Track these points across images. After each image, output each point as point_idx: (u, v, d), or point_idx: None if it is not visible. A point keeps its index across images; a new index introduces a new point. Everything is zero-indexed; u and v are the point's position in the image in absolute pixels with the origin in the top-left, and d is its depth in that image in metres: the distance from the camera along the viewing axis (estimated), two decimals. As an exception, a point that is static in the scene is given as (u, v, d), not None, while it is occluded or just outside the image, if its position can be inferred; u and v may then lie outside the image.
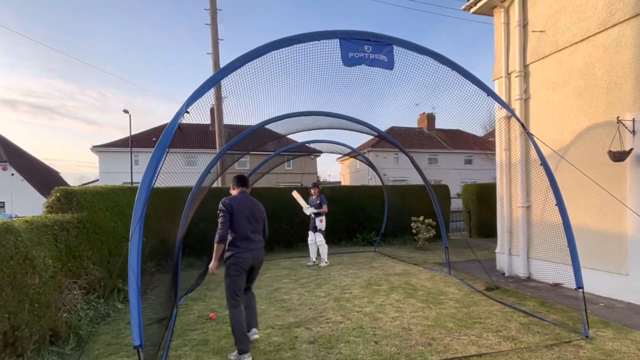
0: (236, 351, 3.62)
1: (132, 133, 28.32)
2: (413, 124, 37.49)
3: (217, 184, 11.41)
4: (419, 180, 10.19)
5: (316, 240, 8.49)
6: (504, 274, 7.17)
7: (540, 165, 4.41)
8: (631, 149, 4.99)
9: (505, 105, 5.00)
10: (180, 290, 5.96)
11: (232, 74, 3.60)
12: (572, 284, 4.18)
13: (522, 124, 4.95)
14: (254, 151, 10.17)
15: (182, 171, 4.75)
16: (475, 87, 4.47)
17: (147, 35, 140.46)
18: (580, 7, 5.79)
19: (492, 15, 7.64)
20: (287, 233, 10.91)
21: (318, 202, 8.54)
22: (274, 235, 10.81)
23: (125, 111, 27.47)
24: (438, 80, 4.76)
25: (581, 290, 4.05)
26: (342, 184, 36.87)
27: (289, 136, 8.73)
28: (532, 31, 6.64)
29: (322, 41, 3.91)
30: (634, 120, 5.06)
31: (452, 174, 31.99)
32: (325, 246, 8.46)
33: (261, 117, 6.52)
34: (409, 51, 4.18)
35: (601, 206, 5.46)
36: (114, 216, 6.36)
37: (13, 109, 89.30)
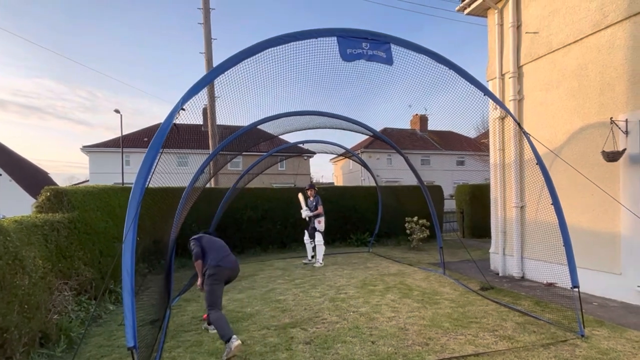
0: (225, 347, 3.68)
1: (123, 133, 28.02)
2: (406, 125, 37.69)
3: (210, 184, 11.33)
4: (412, 181, 10.21)
5: (315, 241, 8.45)
6: (498, 273, 7.20)
7: (536, 164, 4.42)
8: (624, 149, 5.04)
9: (502, 105, 5.02)
10: (174, 291, 5.88)
11: (227, 72, 3.56)
12: (566, 284, 4.21)
13: (518, 124, 4.97)
14: (247, 152, 10.10)
15: (174, 171, 4.69)
16: (470, 87, 4.48)
17: (139, 34, 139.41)
18: (574, 8, 5.84)
19: (486, 17, 7.68)
20: (281, 233, 10.87)
21: (314, 203, 8.51)
22: (268, 236, 10.77)
23: (117, 111, 27.20)
24: (434, 80, 4.76)
25: (577, 289, 4.06)
26: (335, 184, 36.87)
27: (282, 136, 8.69)
28: (526, 32, 6.69)
29: (319, 39, 3.88)
30: (627, 120, 5.10)
31: (445, 175, 32.22)
32: (323, 247, 8.42)
33: (254, 117, 6.48)
34: (405, 50, 4.18)
35: (595, 206, 5.51)
36: (105, 216, 6.25)
37: (2, 109, 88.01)
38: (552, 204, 4.28)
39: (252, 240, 10.62)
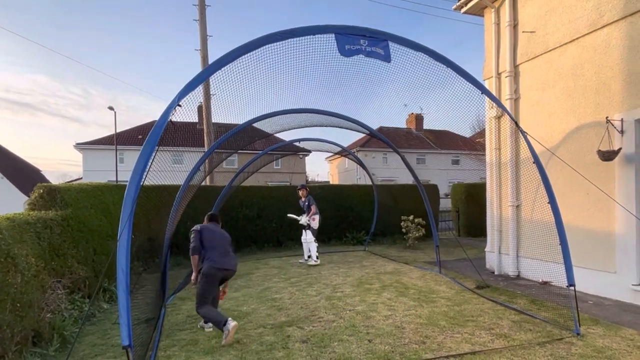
0: (222, 332, 3.96)
1: (117, 131, 27.80)
2: (401, 124, 37.73)
3: (206, 182, 11.25)
4: (408, 180, 10.23)
5: (307, 238, 8.41)
6: (493, 272, 7.22)
7: (533, 163, 4.43)
8: (620, 149, 5.06)
9: (500, 104, 5.02)
10: (168, 290, 5.84)
11: (224, 68, 3.52)
12: (561, 282, 4.22)
13: (516, 123, 4.99)
14: (243, 150, 10.05)
15: (169, 169, 4.65)
16: (467, 86, 4.48)
17: (133, 31, 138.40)
18: (570, 8, 5.85)
19: (483, 16, 7.69)
20: (277, 232, 10.83)
21: (306, 204, 8.46)
22: (263, 235, 10.73)
23: (111, 108, 26.91)
24: (431, 78, 4.74)
25: (572, 288, 4.08)
26: (331, 183, 36.86)
27: (277, 135, 8.65)
28: (523, 32, 6.70)
29: (316, 36, 3.85)
30: (622, 120, 5.13)
31: (440, 174, 32.30)
32: (314, 245, 8.37)
33: (250, 115, 6.43)
34: (403, 47, 4.15)
35: (590, 205, 5.53)
36: (99, 214, 6.19)
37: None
38: (548, 203, 4.29)
39: (248, 238, 10.57)
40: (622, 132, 5.13)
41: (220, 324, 3.91)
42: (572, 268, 4.14)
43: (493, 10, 7.23)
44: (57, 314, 4.28)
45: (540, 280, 6.20)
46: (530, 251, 6.46)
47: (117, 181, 23.72)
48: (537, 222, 6.01)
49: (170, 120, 3.17)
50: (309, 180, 40.17)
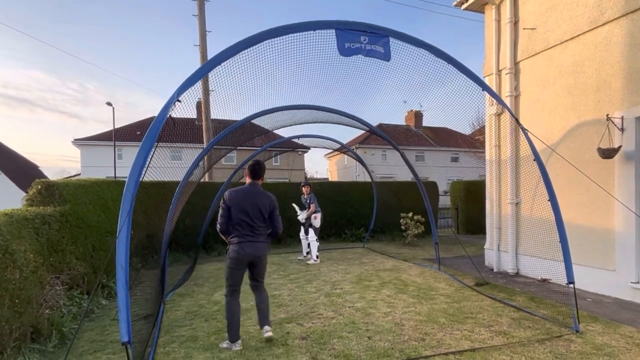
0: (227, 340, 3.77)
1: (116, 126, 27.70)
2: (401, 121, 37.69)
3: (205, 178, 11.22)
4: (407, 177, 10.21)
5: (309, 237, 8.40)
6: (492, 269, 7.23)
7: (534, 160, 4.41)
8: (620, 147, 5.06)
9: (501, 101, 5.01)
10: (167, 286, 5.83)
11: (224, 63, 3.48)
12: (560, 280, 4.22)
13: (516, 120, 4.96)
14: (242, 146, 10.03)
15: (168, 165, 4.62)
16: (467, 82, 4.45)
17: (131, 26, 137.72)
18: (571, 5, 5.83)
19: (483, 12, 7.65)
20: (276, 229, 10.79)
21: (308, 201, 8.45)
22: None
23: (109, 104, 26.86)
24: (431, 75, 4.72)
25: (572, 285, 4.08)
26: (330, 180, 36.85)
27: (276, 131, 8.62)
28: (523, 28, 6.67)
29: (317, 31, 3.82)
30: (622, 118, 5.12)
31: (439, 171, 32.33)
32: (316, 243, 8.37)
33: (249, 111, 6.40)
34: (404, 43, 4.13)
35: (589, 203, 5.53)
36: (97, 210, 6.16)
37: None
38: (548, 200, 4.28)
39: (247, 235, 10.53)
40: (622, 129, 5.12)
41: (230, 334, 3.72)
42: (572, 265, 4.14)
43: (494, 6, 7.20)
44: (55, 310, 4.26)
45: (540, 277, 6.21)
46: (529, 249, 6.47)
47: (115, 177, 23.67)
48: (536, 219, 6.01)
49: (170, 116, 3.14)
50: (308, 177, 40.14)
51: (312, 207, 8.37)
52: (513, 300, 5.11)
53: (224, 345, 3.75)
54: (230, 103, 5.21)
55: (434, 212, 9.76)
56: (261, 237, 3.87)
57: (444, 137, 35.88)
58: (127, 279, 2.66)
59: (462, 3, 7.67)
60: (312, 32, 3.84)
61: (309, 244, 8.53)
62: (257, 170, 4.08)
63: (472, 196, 12.50)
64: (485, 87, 4.47)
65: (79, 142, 29.38)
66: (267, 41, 3.60)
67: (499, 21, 7.20)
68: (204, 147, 9.07)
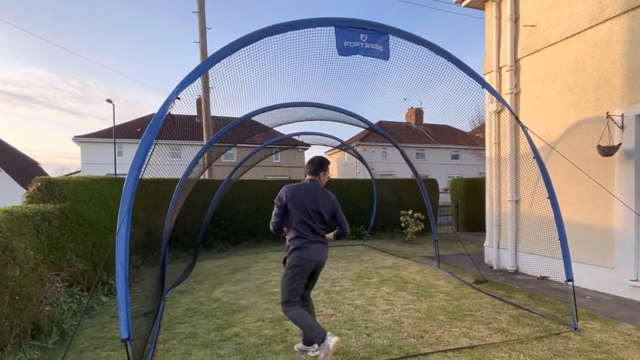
0: (301, 342, 3.54)
1: (116, 123, 27.68)
2: (401, 118, 37.66)
3: (205, 176, 11.23)
4: (407, 175, 10.21)
5: None
6: (492, 267, 7.24)
7: (533, 158, 4.41)
8: (620, 144, 5.05)
9: (500, 98, 4.99)
10: (167, 283, 5.84)
11: (224, 60, 3.47)
12: (559, 277, 4.22)
13: (516, 117, 4.96)
14: (242, 144, 10.04)
15: (167, 162, 4.62)
16: (466, 80, 4.43)
17: (131, 23, 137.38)
18: (572, 2, 5.81)
19: (484, 9, 7.62)
20: (276, 226, 10.80)
21: None
22: (263, 228, 10.70)
23: (109, 101, 26.79)
24: (431, 72, 4.71)
25: (571, 283, 4.09)
26: (330, 177, 36.81)
27: (277, 128, 8.61)
28: (524, 25, 6.65)
29: (317, 28, 3.81)
30: (622, 115, 5.11)
31: (439, 168, 32.34)
32: None
33: (249, 108, 6.40)
34: (404, 41, 4.11)
35: (589, 200, 5.53)
36: (97, 207, 6.17)
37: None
38: (548, 198, 4.28)
39: (247, 232, 10.58)
40: (622, 127, 5.12)
41: (317, 340, 3.08)
42: (571, 263, 4.14)
43: (494, 3, 7.18)
44: (56, 306, 4.28)
45: (539, 275, 6.22)
46: (528, 246, 6.47)
47: (115, 174, 23.68)
48: (536, 217, 6.01)
49: (169, 114, 3.14)
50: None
51: None
52: (512, 298, 5.13)
53: (297, 347, 3.47)
54: (230, 100, 5.21)
55: (433, 210, 9.77)
56: (324, 239, 3.50)
57: (444, 135, 35.87)
58: (127, 276, 2.67)
59: (463, 0, 7.64)
60: (312, 29, 3.82)
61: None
62: (321, 163, 3.67)
63: (472, 194, 12.50)
64: (485, 85, 4.46)
65: (79, 139, 29.39)
66: (266, 38, 3.58)
67: (499, 18, 7.17)
68: (204, 144, 9.07)
